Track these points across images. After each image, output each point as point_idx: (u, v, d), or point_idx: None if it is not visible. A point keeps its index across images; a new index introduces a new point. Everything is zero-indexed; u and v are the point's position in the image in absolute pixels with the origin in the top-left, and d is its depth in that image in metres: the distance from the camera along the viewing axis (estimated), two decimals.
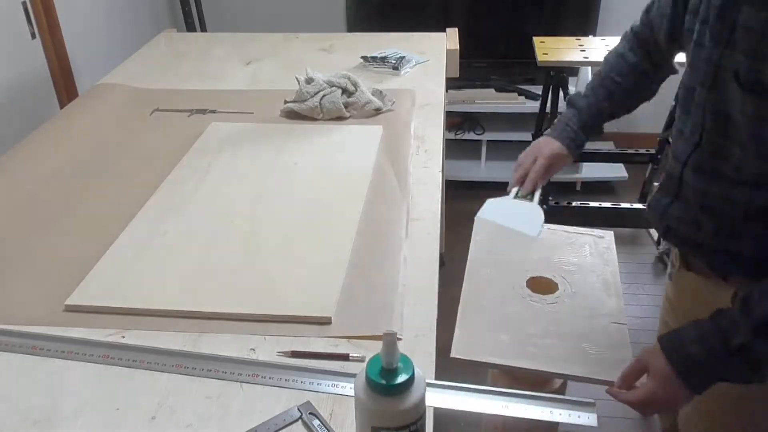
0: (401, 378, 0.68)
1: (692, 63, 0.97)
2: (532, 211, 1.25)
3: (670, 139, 1.09)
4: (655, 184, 2.11)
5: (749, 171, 0.90)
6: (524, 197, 1.27)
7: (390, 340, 0.67)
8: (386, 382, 0.67)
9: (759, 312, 0.81)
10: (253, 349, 0.92)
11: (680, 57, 1.14)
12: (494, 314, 1.11)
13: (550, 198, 2.63)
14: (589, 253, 1.28)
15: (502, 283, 1.19)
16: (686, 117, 1.01)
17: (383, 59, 1.93)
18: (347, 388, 0.85)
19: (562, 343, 1.06)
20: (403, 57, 1.95)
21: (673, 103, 2.71)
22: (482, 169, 3.21)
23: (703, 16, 0.93)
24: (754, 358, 0.82)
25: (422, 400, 0.70)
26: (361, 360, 0.90)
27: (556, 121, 1.31)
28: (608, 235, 1.33)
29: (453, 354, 1.03)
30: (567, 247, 1.29)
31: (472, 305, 1.13)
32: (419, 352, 0.92)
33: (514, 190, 1.29)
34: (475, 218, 1.30)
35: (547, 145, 1.26)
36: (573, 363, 1.02)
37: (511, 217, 1.26)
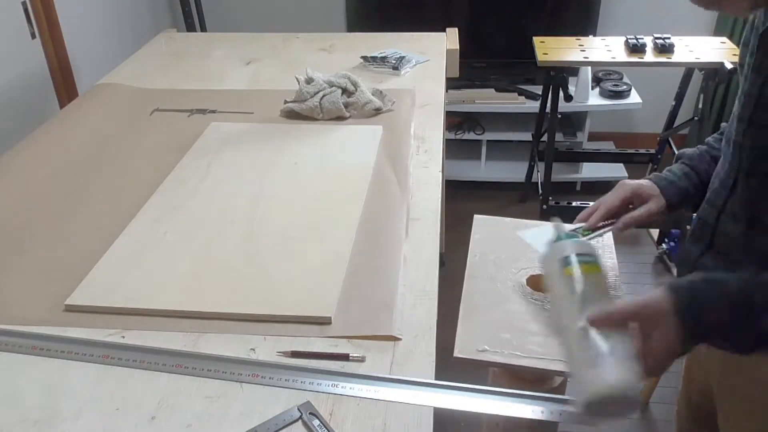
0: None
1: (738, 98, 0.87)
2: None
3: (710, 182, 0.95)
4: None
5: None
6: (584, 233, 1.04)
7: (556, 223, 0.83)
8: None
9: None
10: (253, 349, 0.92)
11: None
12: (495, 313, 1.11)
13: (550, 198, 2.63)
14: None
15: (502, 281, 1.19)
16: (724, 159, 0.90)
17: (383, 59, 1.93)
18: (347, 388, 0.85)
19: None
20: (403, 57, 1.95)
21: (673, 103, 2.72)
22: (482, 169, 3.21)
23: (751, 48, 0.84)
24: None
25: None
26: (361, 360, 0.90)
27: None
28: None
29: (456, 353, 1.03)
30: None
31: (473, 303, 1.14)
32: (419, 352, 0.92)
33: (578, 224, 1.08)
34: (517, 234, 1.15)
35: (637, 180, 1.06)
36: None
37: (539, 244, 1.09)
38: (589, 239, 1.02)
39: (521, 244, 1.29)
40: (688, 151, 1.08)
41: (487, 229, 1.34)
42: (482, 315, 1.11)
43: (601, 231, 1.04)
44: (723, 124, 1.01)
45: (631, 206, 1.06)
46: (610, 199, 1.06)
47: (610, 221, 1.05)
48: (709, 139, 1.08)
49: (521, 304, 1.14)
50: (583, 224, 1.06)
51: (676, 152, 1.08)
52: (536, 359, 1.02)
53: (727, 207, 0.87)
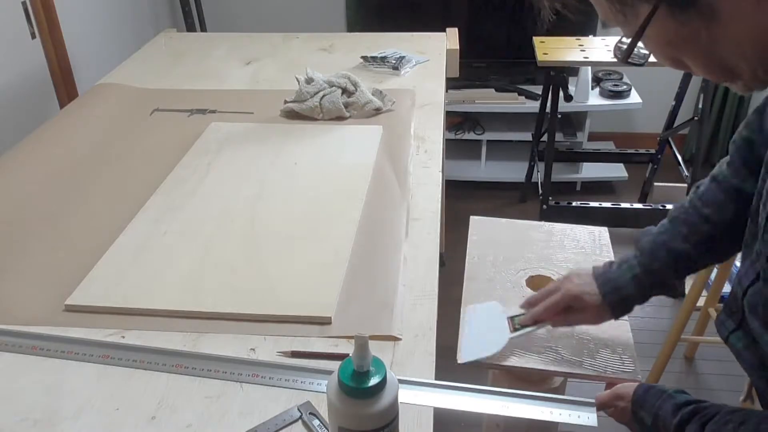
0: (372, 381, 0.68)
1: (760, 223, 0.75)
2: (500, 334, 1.04)
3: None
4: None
5: None
6: (520, 325, 1.04)
7: (361, 342, 0.67)
8: (355, 385, 0.68)
9: None
10: (253, 349, 0.92)
11: None
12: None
13: (550, 198, 2.63)
14: (586, 249, 1.28)
15: (502, 282, 1.19)
16: (751, 238, 0.78)
17: (383, 59, 1.93)
18: None
19: (565, 341, 1.06)
20: (403, 57, 1.95)
21: (674, 103, 2.72)
22: (482, 169, 3.21)
23: None
24: None
25: (393, 404, 0.70)
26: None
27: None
28: (603, 231, 1.33)
29: (460, 360, 1.03)
30: (563, 244, 1.29)
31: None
32: (419, 352, 0.92)
33: (519, 310, 1.07)
34: (463, 307, 1.13)
35: (580, 281, 0.99)
36: (578, 362, 1.02)
37: (478, 328, 1.08)
38: (519, 336, 1.03)
39: (519, 245, 1.29)
40: (645, 241, 0.98)
41: (484, 230, 1.34)
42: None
43: (532, 329, 1.03)
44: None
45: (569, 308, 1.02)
46: (553, 300, 1.01)
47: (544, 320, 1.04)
48: (687, 204, 0.96)
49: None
50: (523, 312, 1.06)
51: (638, 233, 0.99)
52: (537, 361, 1.02)
53: (749, 293, 0.77)
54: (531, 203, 3.03)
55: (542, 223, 1.37)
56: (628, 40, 0.65)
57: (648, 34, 0.62)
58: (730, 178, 0.90)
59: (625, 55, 0.67)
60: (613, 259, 1.26)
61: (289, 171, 1.37)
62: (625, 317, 1.07)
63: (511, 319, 1.06)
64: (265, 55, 2.06)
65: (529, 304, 1.05)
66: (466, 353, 1.03)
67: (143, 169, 1.40)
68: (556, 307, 1.00)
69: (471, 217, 1.37)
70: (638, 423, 0.89)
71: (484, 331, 1.07)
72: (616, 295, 0.96)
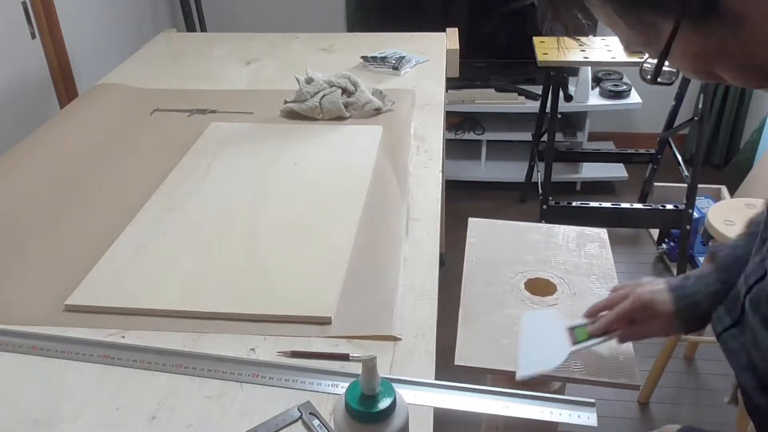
0: (381, 405, 0.66)
1: None
2: (560, 346, 0.98)
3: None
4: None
5: None
6: (587, 336, 0.98)
7: (370, 366, 0.65)
8: (365, 409, 0.66)
9: None
10: (253, 349, 0.93)
11: None
12: (495, 318, 1.11)
13: (550, 198, 2.63)
14: (585, 251, 1.28)
15: (500, 285, 1.19)
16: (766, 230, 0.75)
17: (383, 59, 1.93)
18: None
19: None
20: (403, 57, 1.95)
21: (673, 103, 2.71)
22: (482, 169, 3.21)
23: None
24: None
25: (404, 427, 0.68)
26: (361, 360, 0.90)
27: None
28: (602, 233, 1.33)
29: (457, 362, 1.03)
30: (562, 247, 1.29)
31: (472, 310, 1.13)
32: (419, 352, 0.92)
33: (581, 320, 1.01)
34: (520, 317, 1.07)
35: (652, 287, 0.95)
36: (577, 366, 1.02)
37: (534, 339, 1.02)
38: (581, 349, 0.97)
39: (517, 247, 1.29)
40: (722, 255, 0.93)
41: (482, 232, 1.33)
42: (481, 321, 1.11)
43: (598, 340, 0.97)
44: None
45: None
46: (625, 308, 0.96)
47: (613, 331, 0.98)
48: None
49: (520, 308, 1.13)
50: (585, 322, 1.00)
51: (710, 245, 0.99)
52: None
53: (752, 292, 0.76)
54: (531, 203, 3.03)
55: (541, 224, 1.37)
56: (654, 61, 0.62)
57: (674, 52, 0.59)
58: None
59: (654, 77, 0.64)
60: (610, 256, 1.26)
61: (289, 171, 1.37)
62: None
63: (572, 329, 0.99)
64: (265, 55, 2.06)
65: (592, 314, 1.00)
66: (524, 369, 0.97)
67: (143, 169, 1.40)
68: (628, 315, 0.95)
69: (469, 219, 1.37)
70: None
71: (542, 343, 1.00)
72: (693, 310, 0.92)
